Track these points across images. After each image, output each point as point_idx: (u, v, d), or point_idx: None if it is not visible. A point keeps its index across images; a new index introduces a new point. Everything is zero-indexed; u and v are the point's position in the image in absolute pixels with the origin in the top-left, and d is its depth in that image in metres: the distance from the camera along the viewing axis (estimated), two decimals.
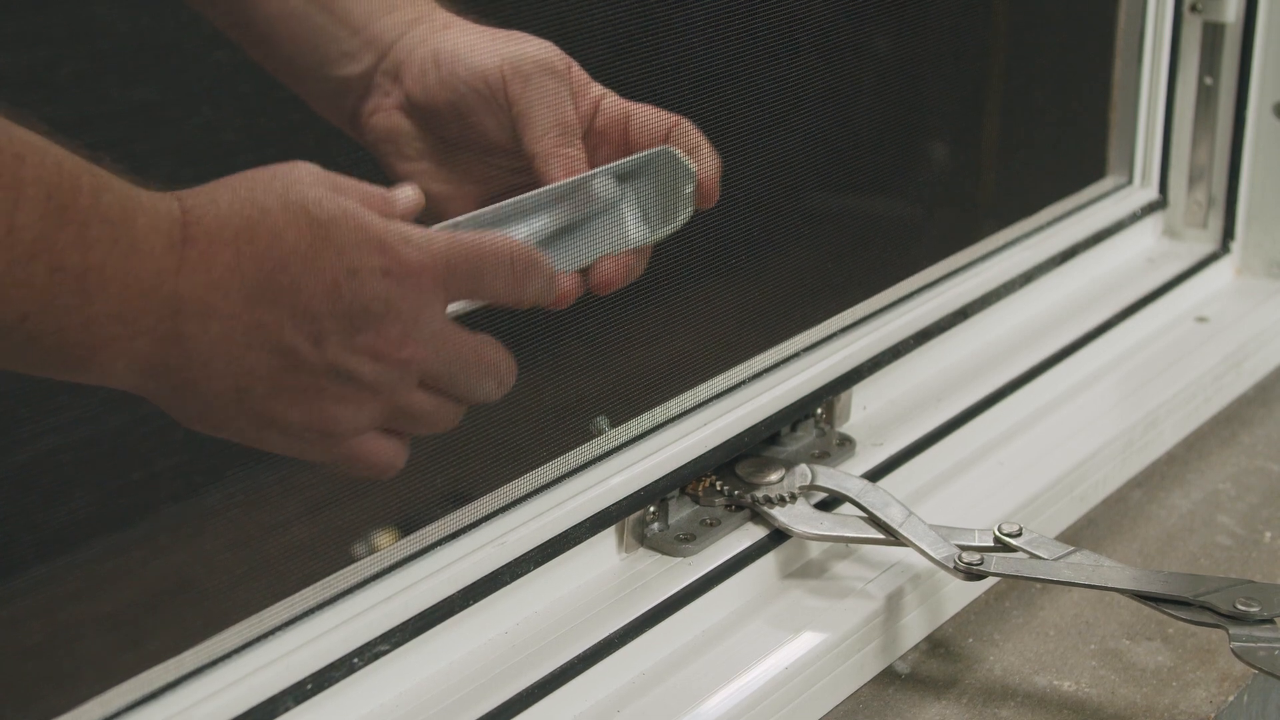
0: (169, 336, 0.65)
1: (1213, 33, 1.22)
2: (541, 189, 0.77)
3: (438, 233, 0.73)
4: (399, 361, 0.69)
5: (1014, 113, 1.34)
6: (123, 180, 0.64)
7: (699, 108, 0.97)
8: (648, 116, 0.83)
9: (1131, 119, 1.24)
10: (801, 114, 1.09)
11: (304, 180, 0.70)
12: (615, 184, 0.79)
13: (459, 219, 0.75)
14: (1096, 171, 1.27)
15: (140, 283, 0.63)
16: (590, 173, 0.78)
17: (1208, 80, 1.23)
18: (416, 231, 0.72)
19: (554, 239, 0.77)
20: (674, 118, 0.83)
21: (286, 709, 0.70)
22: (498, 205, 0.76)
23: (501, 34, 0.81)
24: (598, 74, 0.90)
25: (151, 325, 0.64)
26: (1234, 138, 1.23)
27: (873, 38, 1.17)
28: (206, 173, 0.72)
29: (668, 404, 0.91)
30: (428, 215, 0.79)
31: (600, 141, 0.82)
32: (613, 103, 0.83)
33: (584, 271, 0.77)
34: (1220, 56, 1.22)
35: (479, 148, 0.81)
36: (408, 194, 0.75)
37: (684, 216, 0.79)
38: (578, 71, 0.82)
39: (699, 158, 0.81)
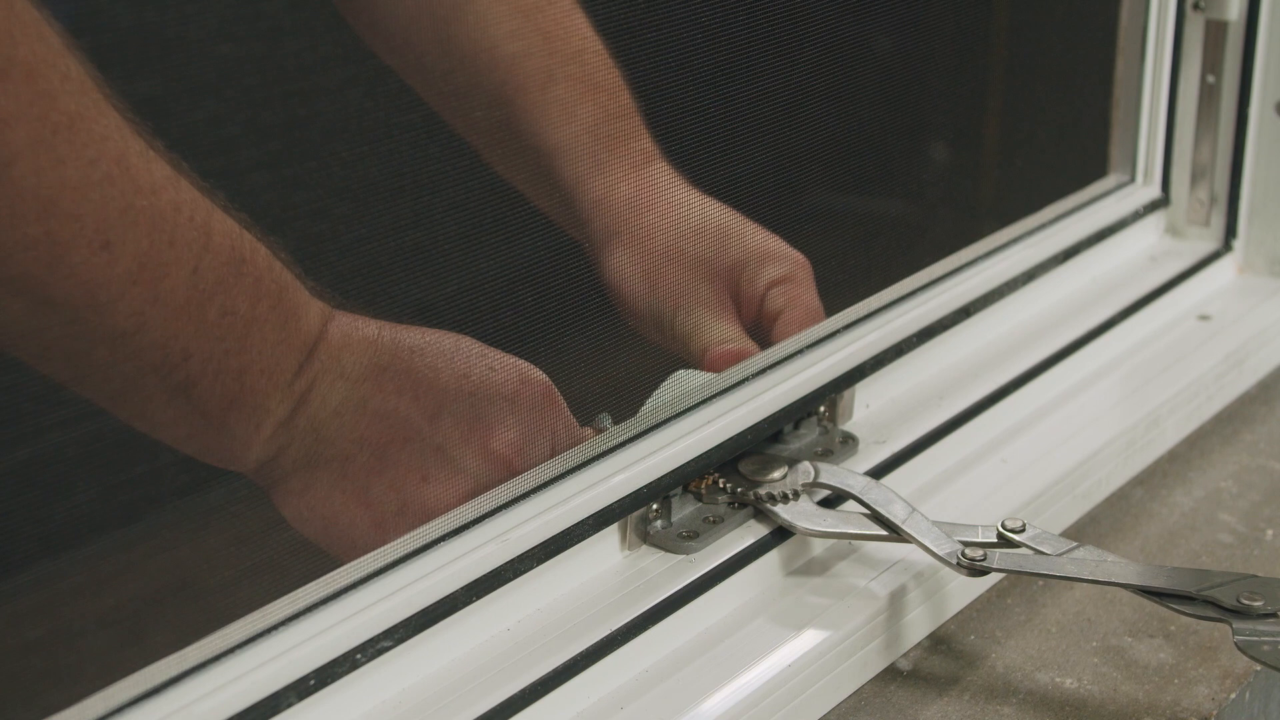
0: (300, 402, 0.72)
1: (1215, 31, 1.22)
2: None
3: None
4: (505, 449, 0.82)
5: (1016, 111, 1.34)
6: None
7: (699, 106, 0.97)
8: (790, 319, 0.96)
9: (1133, 117, 1.24)
10: (803, 112, 1.09)
11: (469, 358, 0.79)
12: None
13: None
14: (1098, 170, 1.27)
15: (290, 343, 0.70)
16: None
17: (1210, 78, 1.23)
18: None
19: None
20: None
21: (289, 705, 0.70)
22: None
23: (689, 234, 0.93)
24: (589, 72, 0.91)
25: (290, 386, 0.71)
26: (1236, 136, 1.23)
27: (874, 35, 1.17)
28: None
29: (670, 401, 0.91)
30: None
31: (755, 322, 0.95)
32: (777, 294, 0.95)
33: None
34: (1223, 54, 1.22)
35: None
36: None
37: None
38: (759, 249, 0.95)
39: None
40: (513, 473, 0.80)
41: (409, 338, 0.77)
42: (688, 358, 0.94)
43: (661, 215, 0.92)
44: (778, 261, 0.96)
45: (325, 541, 0.77)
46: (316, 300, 0.73)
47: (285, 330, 0.70)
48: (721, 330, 0.93)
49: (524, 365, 0.82)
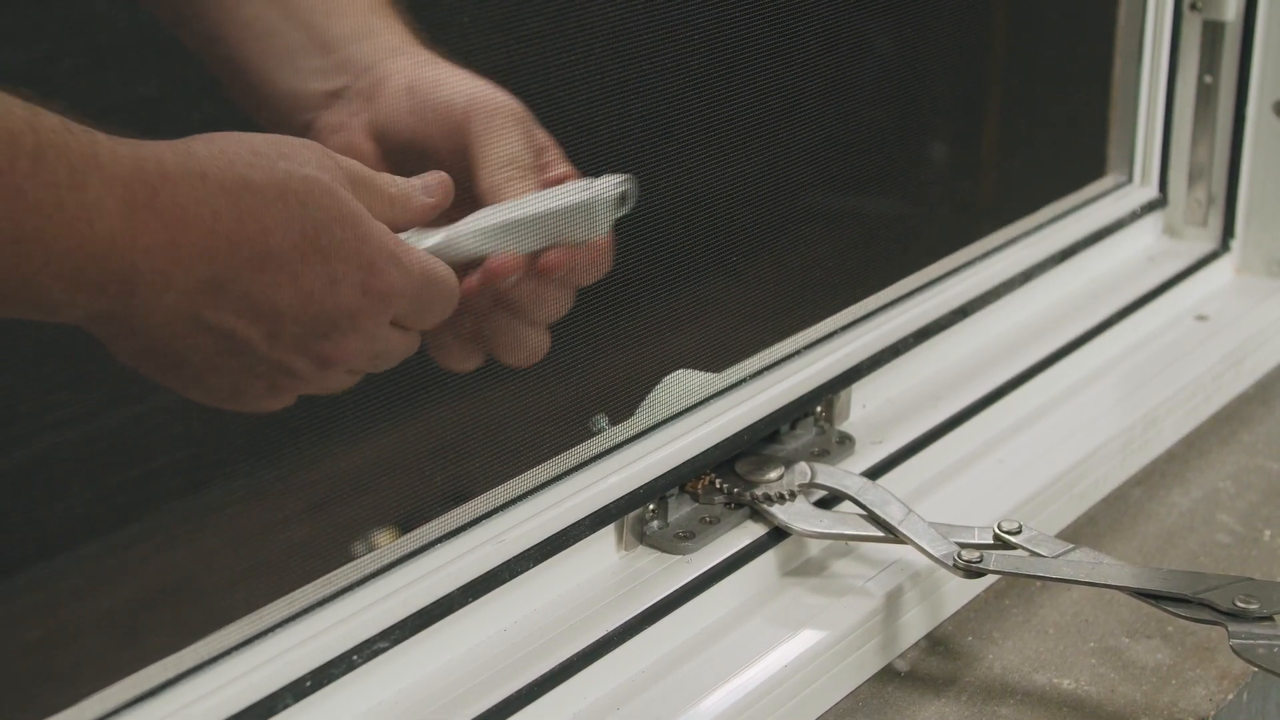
0: (119, 297, 0.63)
1: (1212, 31, 1.22)
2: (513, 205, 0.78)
3: (426, 258, 0.73)
4: (344, 366, 0.70)
5: (1013, 111, 1.34)
6: (83, 132, 0.61)
7: (698, 107, 0.97)
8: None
9: (1131, 117, 1.24)
10: (801, 112, 1.09)
11: (312, 165, 0.69)
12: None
13: (445, 233, 0.76)
14: (1096, 170, 1.27)
15: (88, 249, 0.61)
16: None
17: (1207, 78, 1.23)
18: (409, 254, 0.72)
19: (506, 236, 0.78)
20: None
21: (285, 706, 0.70)
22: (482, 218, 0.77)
23: (472, 79, 0.82)
24: (598, 76, 0.90)
25: (101, 288, 0.62)
26: (1234, 136, 1.23)
27: (873, 36, 1.17)
28: None
29: (667, 402, 0.91)
30: None
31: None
32: (556, 160, 0.83)
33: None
34: (1220, 55, 1.22)
35: (433, 159, 0.81)
36: (431, 188, 0.75)
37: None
38: (540, 135, 0.82)
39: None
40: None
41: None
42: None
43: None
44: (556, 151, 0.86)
45: None
46: (124, 187, 0.63)
47: (74, 238, 0.61)
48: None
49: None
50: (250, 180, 0.66)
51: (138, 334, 0.65)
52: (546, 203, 0.78)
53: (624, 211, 0.80)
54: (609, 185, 0.79)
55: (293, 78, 0.82)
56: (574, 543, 0.83)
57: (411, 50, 0.83)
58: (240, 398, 0.70)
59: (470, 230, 0.77)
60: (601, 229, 0.79)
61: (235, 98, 0.83)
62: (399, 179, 0.75)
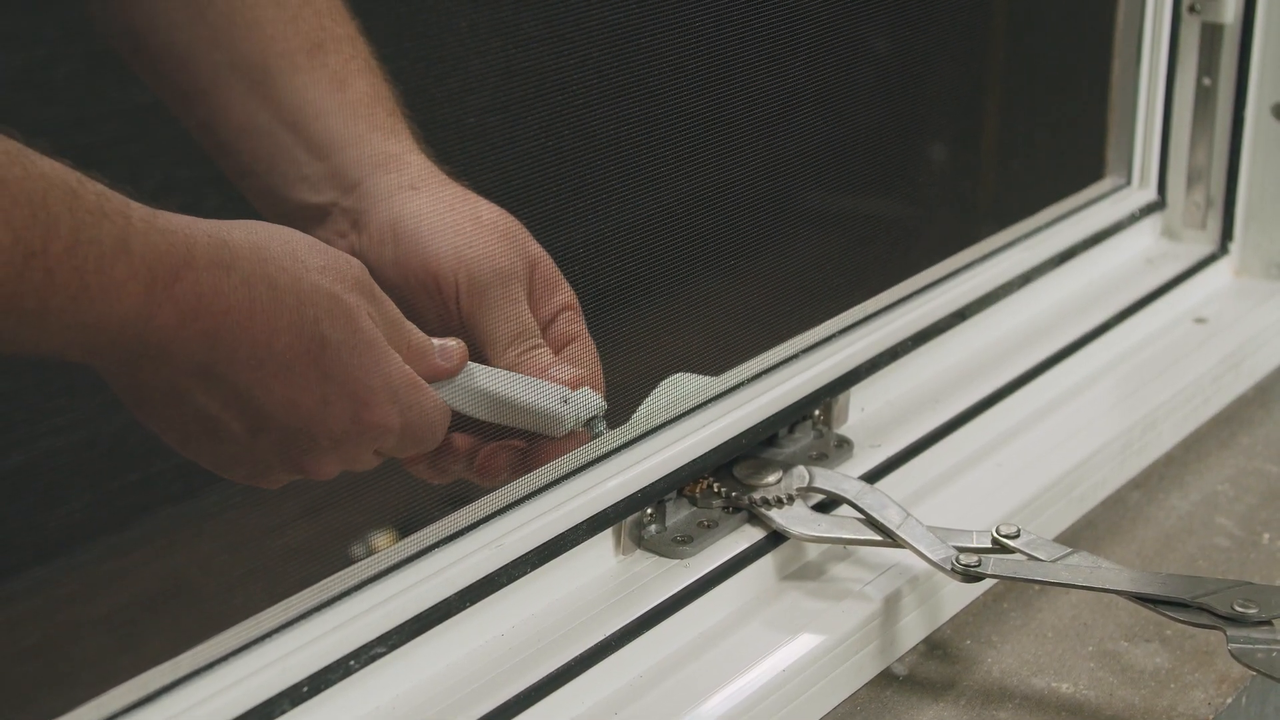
0: (123, 363, 0.65)
1: (1211, 33, 1.22)
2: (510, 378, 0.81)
3: (424, 402, 0.73)
4: (320, 476, 0.72)
5: (1012, 114, 1.34)
6: (118, 214, 0.62)
7: (697, 107, 0.97)
8: (582, 351, 0.84)
9: (1130, 120, 1.24)
10: (799, 114, 1.09)
11: (345, 285, 0.69)
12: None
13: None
14: (1095, 172, 1.27)
15: (104, 327, 0.63)
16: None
17: (1206, 81, 1.23)
18: (410, 395, 0.72)
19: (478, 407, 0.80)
20: (595, 370, 0.84)
21: (283, 711, 0.70)
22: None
23: (468, 219, 0.80)
24: (593, 77, 0.90)
25: (109, 357, 0.64)
26: (1232, 139, 1.23)
27: (871, 37, 1.17)
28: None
29: (665, 405, 0.91)
30: None
31: (547, 340, 0.84)
32: (570, 319, 0.83)
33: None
34: (1219, 57, 1.22)
35: (422, 322, 0.80)
36: (449, 352, 0.75)
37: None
38: (545, 268, 0.82)
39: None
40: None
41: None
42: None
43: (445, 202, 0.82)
44: (566, 288, 0.86)
45: None
46: (150, 270, 0.64)
47: (93, 316, 0.63)
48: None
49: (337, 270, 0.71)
50: (275, 282, 0.67)
51: (134, 391, 0.67)
52: (526, 393, 0.81)
53: (584, 429, 0.84)
54: (584, 405, 0.83)
55: (282, 184, 0.81)
56: (572, 547, 0.82)
57: (403, 164, 0.81)
58: (223, 473, 0.71)
59: (454, 383, 0.78)
60: (559, 435, 0.83)
61: (252, 202, 0.83)
62: (421, 333, 0.75)
